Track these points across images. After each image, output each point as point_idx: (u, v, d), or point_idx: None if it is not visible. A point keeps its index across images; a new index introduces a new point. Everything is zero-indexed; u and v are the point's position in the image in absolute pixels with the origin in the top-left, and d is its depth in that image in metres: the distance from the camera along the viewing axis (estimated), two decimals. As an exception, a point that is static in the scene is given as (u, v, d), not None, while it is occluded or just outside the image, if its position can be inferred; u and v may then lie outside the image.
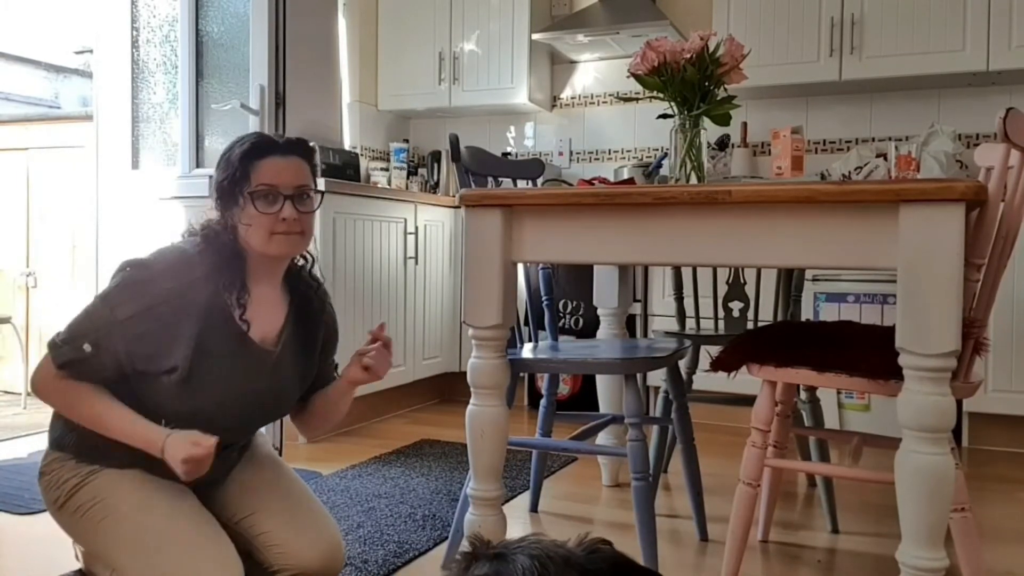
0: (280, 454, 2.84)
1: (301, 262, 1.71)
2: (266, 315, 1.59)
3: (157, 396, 1.49)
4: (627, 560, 0.84)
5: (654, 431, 2.58)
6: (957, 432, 3.26)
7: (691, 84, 1.79)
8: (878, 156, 3.53)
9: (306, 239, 1.61)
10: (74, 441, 1.54)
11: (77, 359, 1.43)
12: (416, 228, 3.81)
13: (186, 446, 1.40)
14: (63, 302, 4.03)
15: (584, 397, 3.86)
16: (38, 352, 4.05)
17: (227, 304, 1.52)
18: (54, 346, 1.46)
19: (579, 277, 3.81)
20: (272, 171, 1.53)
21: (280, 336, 1.61)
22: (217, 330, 1.50)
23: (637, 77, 1.86)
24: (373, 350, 1.63)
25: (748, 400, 1.97)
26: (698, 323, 2.77)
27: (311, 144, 1.63)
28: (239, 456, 1.72)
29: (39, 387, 1.48)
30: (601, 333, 2.70)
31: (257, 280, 1.59)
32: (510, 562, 0.81)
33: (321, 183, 3.20)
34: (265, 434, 1.87)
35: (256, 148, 1.54)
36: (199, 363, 1.48)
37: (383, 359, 1.63)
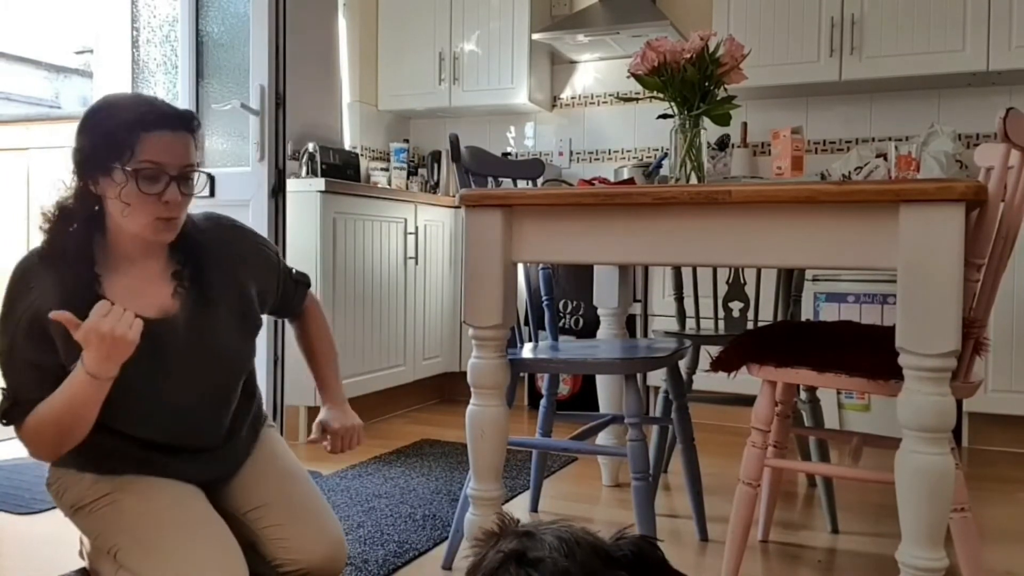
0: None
1: None
2: (153, 288, 1.49)
3: (107, 407, 1.42)
4: (655, 554, 0.83)
5: (654, 431, 2.58)
6: (957, 432, 3.26)
7: (691, 84, 1.79)
8: (878, 156, 3.53)
9: (181, 223, 1.47)
10: (74, 452, 1.53)
11: (6, 409, 1.44)
12: (416, 228, 3.81)
13: (92, 343, 1.30)
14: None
15: (584, 397, 3.86)
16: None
17: (85, 292, 1.39)
18: (2, 417, 1.46)
19: (579, 277, 3.81)
20: (161, 147, 1.38)
21: (176, 300, 1.50)
22: (83, 314, 1.37)
23: (637, 77, 1.86)
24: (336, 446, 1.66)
25: (748, 400, 1.97)
26: (698, 323, 2.77)
27: (197, 117, 1.47)
28: (247, 450, 1.71)
29: (27, 447, 1.46)
30: (601, 333, 2.70)
31: (128, 256, 1.47)
32: (538, 540, 0.80)
33: (321, 182, 3.20)
34: (275, 426, 1.88)
35: (145, 118, 1.39)
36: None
37: (346, 444, 1.67)
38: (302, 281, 1.81)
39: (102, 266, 1.46)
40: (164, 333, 1.49)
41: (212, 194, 3.17)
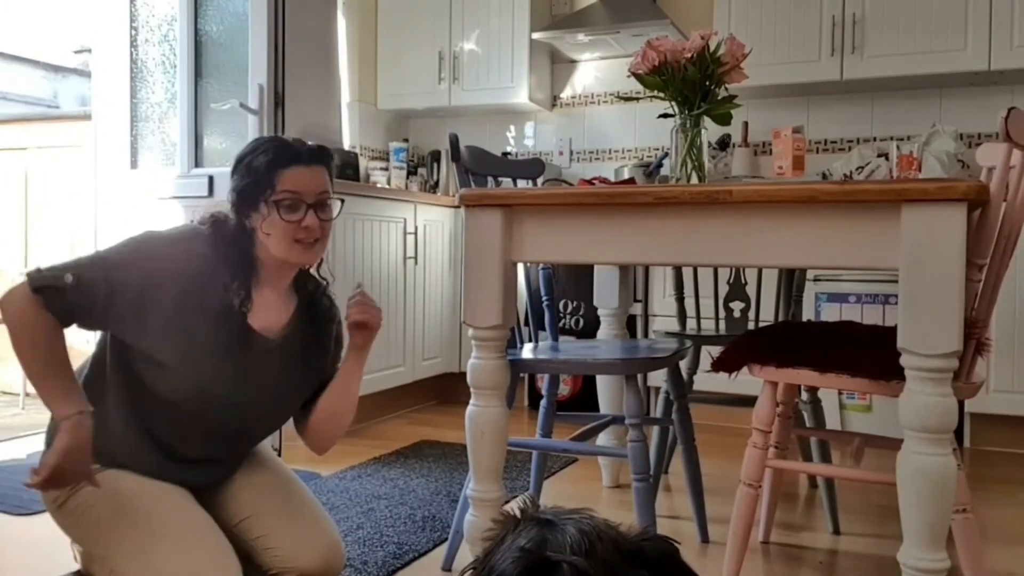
0: (279, 455, 2.84)
1: (318, 269, 1.71)
2: (269, 314, 1.59)
3: (153, 377, 1.49)
4: (677, 555, 0.81)
5: (655, 432, 2.57)
6: (959, 433, 3.25)
7: (692, 83, 1.78)
8: (879, 156, 3.53)
9: (323, 246, 1.61)
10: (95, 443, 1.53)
11: (54, 286, 1.42)
12: (416, 228, 3.80)
13: (68, 451, 1.38)
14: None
15: (584, 398, 3.85)
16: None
17: (229, 302, 1.51)
18: (35, 271, 1.45)
19: (579, 277, 3.80)
20: (296, 180, 1.53)
21: (284, 330, 1.60)
22: (213, 321, 1.50)
23: (638, 76, 1.85)
24: (353, 306, 1.62)
25: (749, 401, 1.96)
26: (699, 323, 2.76)
27: (331, 151, 1.63)
28: (239, 460, 1.71)
29: (4, 303, 1.45)
30: (601, 333, 2.69)
31: (264, 285, 1.59)
32: (559, 531, 0.77)
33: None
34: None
35: (281, 156, 1.55)
36: (190, 351, 1.48)
37: (364, 307, 1.62)
38: None
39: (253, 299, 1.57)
40: (257, 342, 1.56)
41: (211, 193, 3.17)
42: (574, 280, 3.84)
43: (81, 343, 3.92)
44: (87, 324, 1.48)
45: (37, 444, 3.08)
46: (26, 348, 1.44)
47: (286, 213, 1.52)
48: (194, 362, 1.48)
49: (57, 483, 1.42)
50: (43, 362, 1.44)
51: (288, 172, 1.53)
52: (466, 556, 1.85)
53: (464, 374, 1.72)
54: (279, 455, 2.75)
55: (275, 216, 1.52)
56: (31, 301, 1.42)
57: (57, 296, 1.43)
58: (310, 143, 1.61)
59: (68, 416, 1.40)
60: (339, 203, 1.63)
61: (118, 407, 1.53)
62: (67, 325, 1.46)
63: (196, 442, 1.57)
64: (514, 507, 0.86)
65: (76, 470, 1.41)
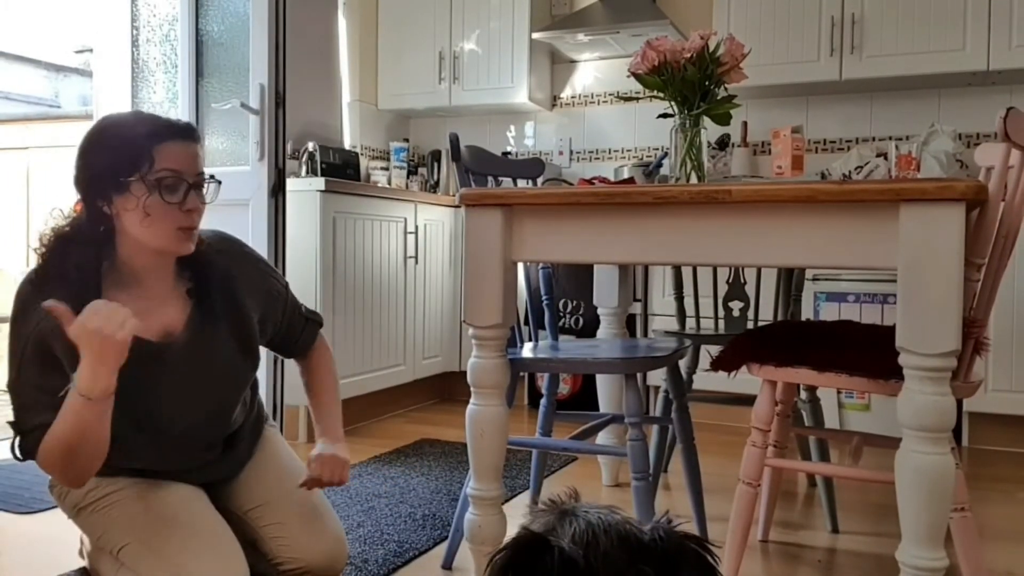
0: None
1: None
2: (163, 311, 1.48)
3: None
4: (694, 552, 0.79)
5: (654, 431, 2.58)
6: (957, 432, 3.26)
7: (691, 83, 1.79)
8: (878, 156, 3.53)
9: (197, 235, 1.48)
10: None
11: (19, 441, 1.39)
12: (416, 227, 3.80)
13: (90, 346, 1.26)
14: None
15: (584, 397, 3.86)
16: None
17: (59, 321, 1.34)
18: (19, 453, 1.41)
19: (579, 276, 3.80)
20: (177, 157, 1.40)
21: (188, 322, 1.50)
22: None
23: (637, 76, 1.86)
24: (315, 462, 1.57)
25: (748, 400, 1.97)
26: (698, 323, 2.77)
27: (199, 130, 1.52)
28: (249, 451, 1.72)
29: (50, 475, 1.42)
30: (601, 333, 2.70)
31: (138, 278, 1.46)
32: (568, 522, 0.79)
33: (321, 181, 3.20)
34: (276, 425, 1.88)
35: (160, 132, 1.40)
36: None
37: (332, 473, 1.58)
38: (313, 319, 1.77)
39: (109, 289, 1.43)
40: (166, 353, 1.48)
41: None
42: (574, 279, 3.85)
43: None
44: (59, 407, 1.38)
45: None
46: (76, 458, 1.35)
47: (167, 193, 1.37)
48: (120, 388, 1.33)
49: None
50: (82, 443, 1.33)
51: (168, 146, 1.39)
52: (466, 554, 1.86)
53: (464, 373, 1.72)
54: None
55: (155, 197, 1.36)
56: (40, 454, 1.36)
57: (29, 438, 1.37)
58: (179, 120, 1.47)
59: (80, 394, 1.29)
60: (217, 184, 1.48)
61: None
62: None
63: (166, 458, 1.56)
64: (560, 494, 0.86)
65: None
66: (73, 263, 1.40)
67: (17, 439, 1.40)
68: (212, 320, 1.53)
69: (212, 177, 1.47)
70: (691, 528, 2.20)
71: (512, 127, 4.60)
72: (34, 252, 1.45)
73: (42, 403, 1.37)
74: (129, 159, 1.37)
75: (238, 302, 1.57)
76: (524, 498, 2.52)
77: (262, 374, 2.92)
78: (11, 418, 1.42)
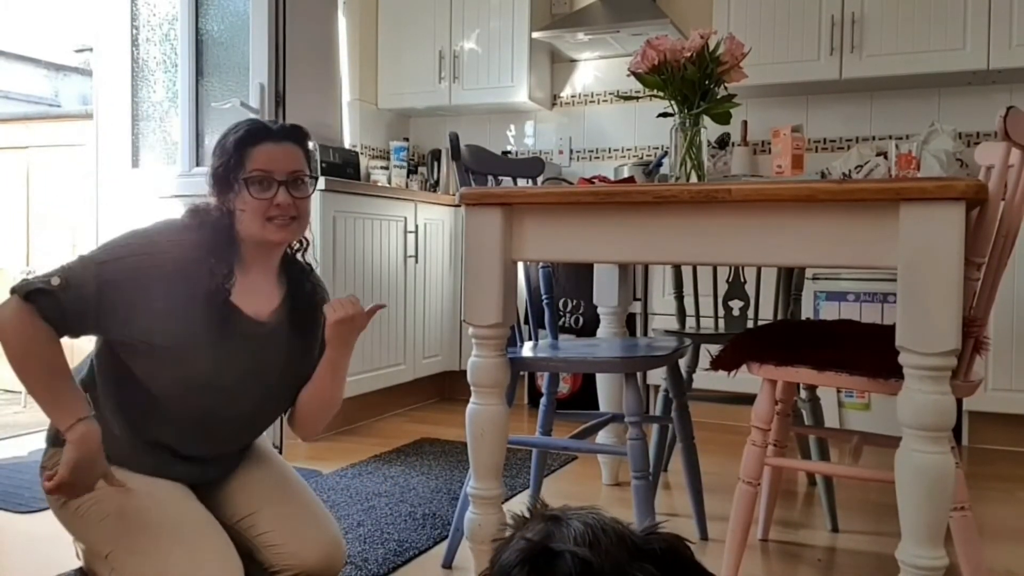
0: (280, 453, 2.84)
1: (296, 246, 1.71)
2: (259, 298, 1.59)
3: (147, 367, 1.49)
4: (685, 551, 0.81)
5: (654, 430, 2.58)
6: (957, 431, 3.26)
7: (691, 83, 1.79)
8: (878, 155, 3.53)
9: (301, 225, 1.61)
10: None
11: (43, 290, 1.40)
12: (416, 227, 3.80)
13: (75, 465, 1.38)
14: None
15: (584, 396, 3.86)
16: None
17: (214, 282, 1.51)
18: (21, 281, 1.43)
19: (579, 276, 3.80)
20: (266, 157, 1.54)
21: (273, 316, 1.60)
22: (201, 304, 1.49)
23: (637, 76, 1.86)
24: (336, 303, 1.60)
25: (748, 399, 1.97)
26: (698, 322, 2.77)
27: (305, 130, 1.64)
28: (239, 456, 1.72)
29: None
30: (601, 332, 2.70)
31: (250, 267, 1.59)
32: (563, 525, 0.78)
33: (321, 181, 3.20)
34: (263, 433, 1.87)
35: (251, 134, 1.55)
36: (183, 335, 1.47)
37: (346, 305, 1.59)
38: None
39: (236, 279, 1.57)
40: (248, 335, 1.56)
41: (212, 193, 3.18)
42: (574, 279, 3.85)
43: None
44: (80, 327, 1.46)
45: (39, 442, 3.08)
46: (22, 360, 1.41)
47: (256, 191, 1.52)
48: (180, 344, 1.47)
49: (69, 494, 1.43)
50: (42, 372, 1.42)
51: (258, 149, 1.54)
52: (466, 553, 1.86)
53: (464, 372, 1.72)
54: (280, 452, 2.75)
55: (246, 194, 1.52)
56: (23, 310, 1.40)
57: (48, 300, 1.41)
58: (284, 122, 1.63)
59: (70, 426, 1.39)
60: (314, 181, 1.62)
61: (112, 410, 1.54)
62: (62, 333, 1.44)
63: (191, 438, 1.57)
64: (523, 508, 0.87)
65: (86, 483, 1.41)
66: (222, 230, 1.56)
67: (39, 286, 1.41)
68: (293, 324, 1.63)
69: (310, 174, 1.61)
70: (691, 527, 2.20)
71: (512, 126, 4.60)
72: (189, 213, 1.59)
73: (84, 301, 1.42)
74: (227, 163, 1.54)
75: (316, 322, 1.67)
76: (524, 497, 2.52)
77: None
78: (39, 272, 1.47)
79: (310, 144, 1.64)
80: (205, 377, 1.51)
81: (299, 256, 1.72)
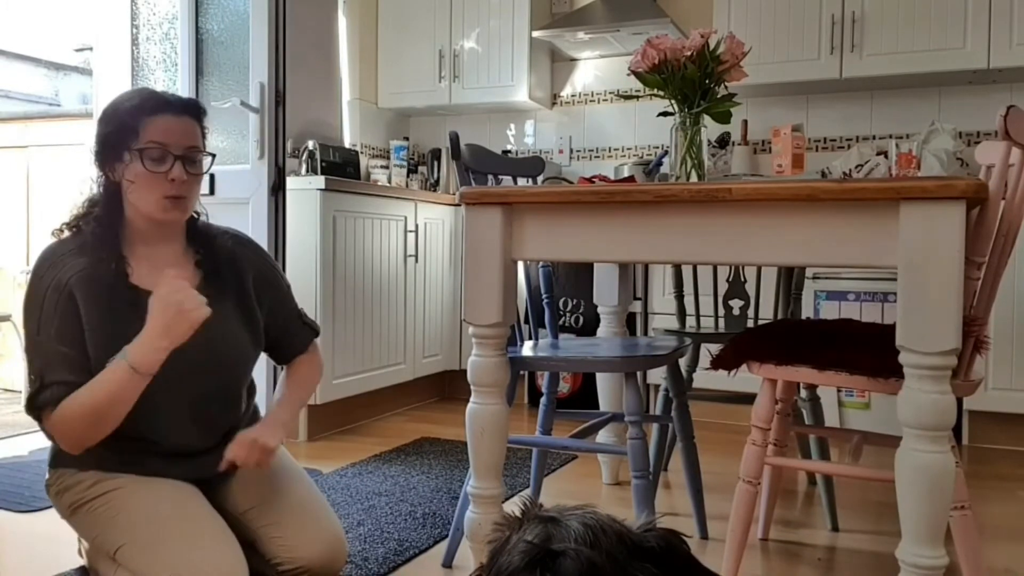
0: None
1: (196, 215, 1.67)
2: (157, 265, 1.55)
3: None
4: (683, 548, 0.81)
5: (654, 429, 2.58)
6: (957, 430, 3.26)
7: (691, 82, 1.79)
8: (879, 154, 3.53)
9: (190, 204, 1.57)
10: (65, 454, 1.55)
11: (35, 393, 1.43)
12: (416, 226, 3.80)
13: (162, 312, 1.38)
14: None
15: (584, 395, 3.86)
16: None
17: (108, 272, 1.48)
18: (28, 406, 1.46)
19: (579, 275, 3.80)
20: (163, 129, 1.49)
21: (197, 289, 1.53)
22: (107, 299, 1.47)
23: (638, 75, 1.86)
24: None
25: (748, 398, 1.97)
26: (698, 321, 2.77)
27: (203, 106, 1.59)
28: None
29: (60, 443, 1.46)
30: (601, 331, 2.70)
31: (149, 243, 1.55)
32: (562, 526, 0.78)
33: (321, 180, 3.20)
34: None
35: (148, 104, 1.50)
36: (105, 335, 1.46)
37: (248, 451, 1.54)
38: (311, 327, 1.82)
39: (125, 248, 1.54)
40: None
41: (212, 192, 3.18)
42: (574, 278, 3.85)
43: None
44: (82, 371, 1.45)
45: (39, 441, 3.09)
46: (96, 426, 1.43)
47: (151, 164, 1.47)
48: (107, 344, 1.46)
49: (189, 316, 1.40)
50: (111, 411, 1.43)
51: (155, 120, 1.48)
52: (466, 553, 1.86)
53: (464, 371, 1.72)
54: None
55: (138, 166, 1.47)
56: (53, 419, 1.42)
57: (45, 393, 1.43)
58: (183, 96, 1.57)
59: (125, 357, 1.39)
60: (210, 158, 1.58)
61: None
62: (83, 382, 1.43)
63: (170, 424, 1.56)
64: (516, 508, 0.86)
65: (189, 319, 1.39)
66: (95, 224, 1.52)
67: (32, 393, 1.43)
68: (219, 291, 1.59)
69: (206, 151, 1.56)
70: (691, 527, 2.20)
71: (512, 125, 4.60)
72: (63, 225, 1.57)
73: (63, 358, 1.44)
74: (121, 132, 1.49)
75: (243, 280, 1.65)
76: (524, 497, 2.52)
77: (261, 377, 2.93)
78: (30, 374, 1.47)
79: (206, 121, 1.59)
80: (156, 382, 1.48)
81: (203, 224, 1.68)
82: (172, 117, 1.51)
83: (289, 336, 1.77)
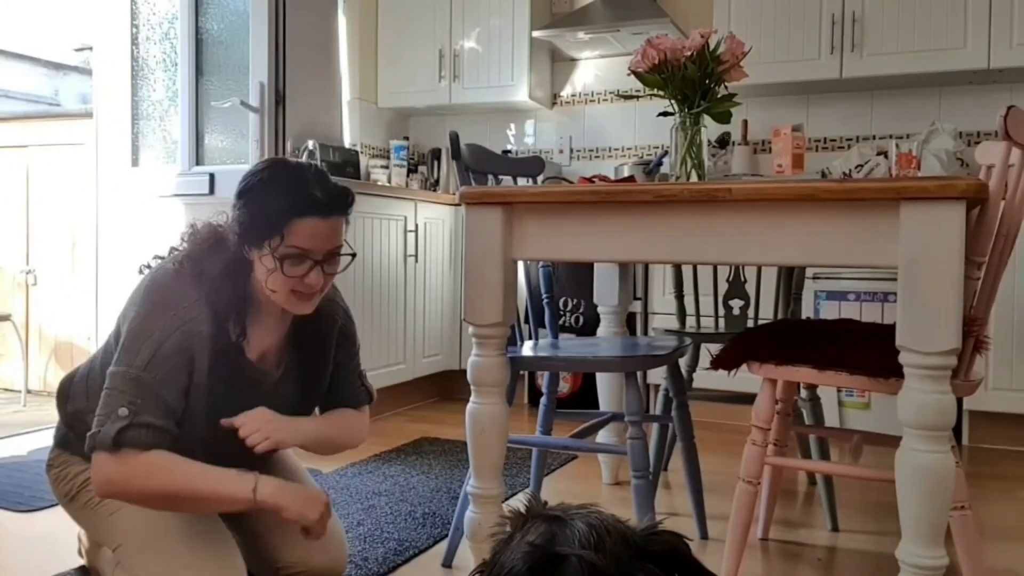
0: (280, 452, 2.84)
1: None
2: (264, 335, 1.54)
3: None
4: (686, 550, 0.80)
5: (654, 429, 2.58)
6: (957, 430, 3.26)
7: (692, 82, 1.79)
8: (879, 154, 3.53)
9: (320, 298, 1.52)
10: (76, 440, 1.54)
11: (123, 428, 1.32)
12: (416, 226, 3.80)
13: (304, 502, 1.40)
14: (63, 299, 4.03)
15: (584, 395, 3.86)
16: (38, 349, 4.05)
17: (229, 340, 1.45)
18: (95, 435, 1.34)
19: (579, 275, 3.80)
20: (309, 235, 1.40)
21: (280, 356, 1.58)
22: (221, 367, 1.44)
23: (638, 75, 1.86)
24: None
25: (748, 398, 1.97)
26: (698, 321, 2.76)
27: (352, 195, 1.48)
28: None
29: (108, 486, 1.35)
30: (601, 331, 2.70)
31: (263, 314, 1.52)
32: (567, 526, 0.77)
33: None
34: None
35: (298, 206, 1.39)
36: (202, 388, 1.43)
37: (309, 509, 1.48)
38: (368, 389, 1.80)
39: (248, 334, 1.49)
40: (258, 384, 1.53)
41: (212, 191, 3.18)
42: (574, 278, 3.84)
43: (82, 339, 3.91)
44: (172, 418, 1.39)
45: (39, 441, 3.09)
46: (167, 501, 1.38)
47: (290, 268, 1.40)
48: (201, 402, 1.43)
49: (322, 524, 1.45)
50: (192, 503, 1.39)
51: (301, 224, 1.39)
52: (466, 552, 1.86)
53: (464, 371, 1.72)
54: (280, 452, 2.75)
55: (277, 269, 1.41)
56: (124, 460, 1.32)
57: (133, 432, 1.32)
58: (332, 184, 1.44)
59: (254, 488, 1.38)
60: (349, 258, 1.50)
61: None
62: (167, 443, 1.36)
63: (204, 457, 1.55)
64: (520, 505, 0.86)
65: (312, 508, 1.42)
66: (230, 280, 1.44)
67: (120, 427, 1.32)
68: (302, 363, 1.60)
69: (347, 252, 1.49)
70: (691, 527, 2.20)
71: (512, 125, 4.60)
72: (181, 240, 1.48)
73: (163, 405, 1.36)
74: (265, 227, 1.39)
75: (327, 356, 1.64)
76: (519, 500, 2.52)
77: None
78: (117, 405, 1.35)
79: (351, 211, 1.48)
80: (212, 419, 1.47)
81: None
82: (320, 220, 1.40)
83: (343, 391, 1.73)
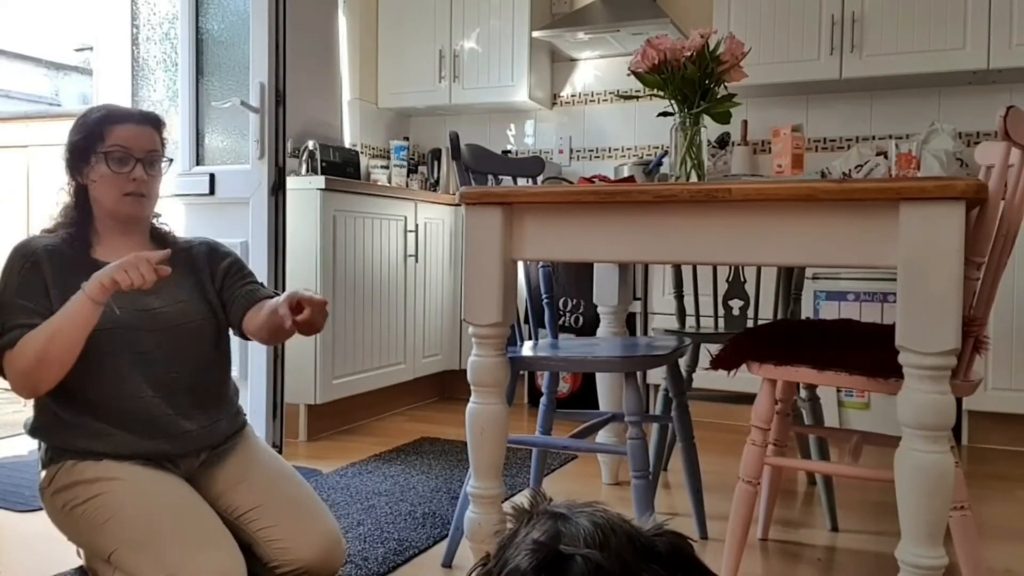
0: (280, 452, 2.85)
1: (157, 221, 1.83)
2: (114, 249, 1.68)
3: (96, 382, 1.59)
4: (690, 550, 0.80)
5: (654, 429, 2.58)
6: (957, 430, 3.26)
7: (691, 82, 1.79)
8: (878, 154, 3.53)
9: (151, 202, 1.74)
10: (63, 441, 1.58)
11: (3, 332, 1.55)
12: (416, 226, 3.80)
13: (123, 267, 1.49)
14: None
15: (584, 395, 3.86)
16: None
17: (74, 248, 1.65)
18: None
19: (579, 275, 3.80)
20: (126, 136, 1.68)
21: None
22: (72, 268, 1.61)
23: (637, 75, 1.86)
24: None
25: (748, 398, 1.97)
26: (698, 321, 2.77)
27: (162, 119, 1.78)
28: (225, 436, 1.74)
29: (20, 379, 1.54)
30: (601, 331, 2.70)
31: (113, 237, 1.70)
32: (572, 524, 0.76)
33: (321, 180, 3.20)
34: (255, 431, 1.87)
35: (113, 114, 1.71)
36: (64, 290, 1.57)
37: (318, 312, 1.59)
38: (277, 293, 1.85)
39: (94, 244, 1.72)
40: (148, 295, 1.64)
41: (212, 192, 3.18)
42: (574, 278, 3.85)
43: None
44: (40, 315, 1.56)
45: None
46: (48, 356, 1.50)
47: (115, 164, 1.66)
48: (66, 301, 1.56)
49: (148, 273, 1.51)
50: (63, 341, 1.50)
51: (119, 128, 1.68)
52: (466, 552, 1.86)
53: (464, 371, 1.72)
54: (279, 452, 2.76)
55: (104, 167, 1.66)
56: (11, 358, 1.52)
57: (5, 338, 1.53)
58: (144, 110, 1.79)
59: (85, 292, 1.49)
60: (168, 162, 1.77)
61: (62, 403, 1.59)
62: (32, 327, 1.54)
63: (122, 381, 1.61)
64: (524, 501, 0.85)
65: (142, 271, 1.49)
66: (68, 224, 1.71)
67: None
68: (177, 272, 1.71)
69: (164, 157, 1.75)
70: (691, 527, 2.20)
71: (512, 126, 4.60)
72: (44, 229, 1.74)
73: (24, 309, 1.58)
74: (87, 137, 1.69)
75: (201, 275, 1.79)
76: (524, 496, 2.52)
77: (260, 375, 2.93)
78: None
79: (165, 132, 1.78)
80: (103, 322, 1.56)
81: (164, 229, 1.84)
82: (134, 126, 1.70)
83: (256, 292, 1.79)
